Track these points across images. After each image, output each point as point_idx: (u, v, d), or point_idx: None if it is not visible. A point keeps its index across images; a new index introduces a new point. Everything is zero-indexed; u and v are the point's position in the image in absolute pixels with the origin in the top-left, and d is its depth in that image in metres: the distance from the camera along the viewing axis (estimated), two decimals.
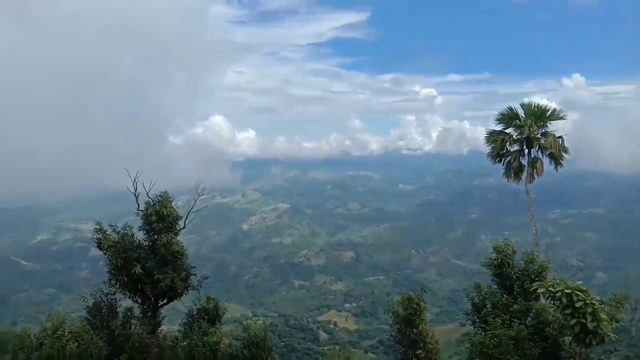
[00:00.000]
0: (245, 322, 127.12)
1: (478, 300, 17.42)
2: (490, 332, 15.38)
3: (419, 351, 15.63)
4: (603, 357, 16.78)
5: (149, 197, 16.54)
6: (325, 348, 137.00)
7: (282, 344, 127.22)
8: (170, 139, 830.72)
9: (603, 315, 13.56)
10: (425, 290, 17.25)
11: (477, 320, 17.22)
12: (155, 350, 15.15)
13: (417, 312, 15.85)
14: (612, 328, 13.78)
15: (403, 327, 16.03)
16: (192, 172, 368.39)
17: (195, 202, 17.23)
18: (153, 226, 16.33)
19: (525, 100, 24.66)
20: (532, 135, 23.71)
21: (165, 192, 16.70)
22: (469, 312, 17.73)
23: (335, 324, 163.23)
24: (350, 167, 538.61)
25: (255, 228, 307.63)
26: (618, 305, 16.35)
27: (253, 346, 14.90)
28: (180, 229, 17.11)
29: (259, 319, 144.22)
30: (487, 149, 25.41)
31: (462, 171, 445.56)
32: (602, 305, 13.89)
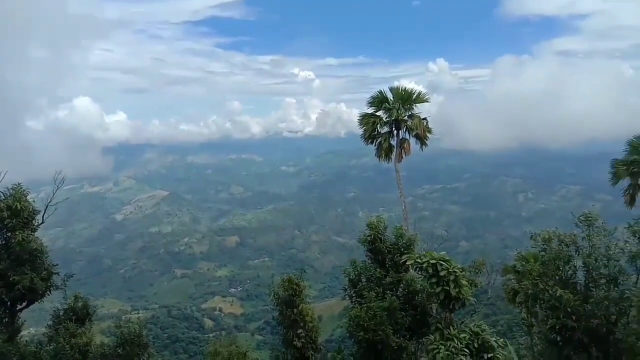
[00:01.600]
0: (123, 318, 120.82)
1: (354, 276, 18.22)
2: (365, 305, 16.20)
3: (299, 330, 16.00)
4: (466, 318, 18.56)
5: None
6: (211, 335, 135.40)
7: (165, 335, 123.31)
8: (29, 123, 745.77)
9: (464, 282, 14.90)
10: (304, 270, 17.63)
11: (354, 295, 18.02)
12: (15, 359, 13.68)
13: (297, 293, 16.18)
14: (472, 292, 15.26)
15: (284, 309, 16.28)
16: (56, 160, 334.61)
17: (54, 193, 15.65)
18: (5, 223, 14.59)
19: (395, 83, 26.09)
20: (399, 117, 25.16)
21: (19, 184, 14.98)
22: (346, 287, 18.48)
23: (220, 310, 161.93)
24: (232, 151, 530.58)
25: (130, 218, 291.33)
26: (477, 270, 18.18)
27: (127, 344, 14.11)
28: (38, 225, 15.51)
29: (138, 313, 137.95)
30: (361, 130, 26.51)
31: (340, 152, 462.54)
32: (463, 272, 15.30)
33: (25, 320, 15.66)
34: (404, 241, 17.95)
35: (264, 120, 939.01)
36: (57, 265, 15.63)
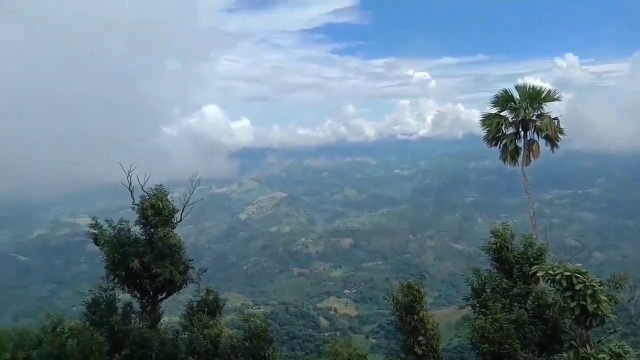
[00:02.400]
0: (245, 312, 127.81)
1: (477, 285, 17.39)
2: (490, 316, 15.37)
3: (420, 338, 15.63)
4: (603, 337, 16.83)
5: (144, 191, 16.36)
6: (326, 334, 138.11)
7: (283, 331, 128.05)
8: (164, 130, 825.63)
9: (603, 297, 13.51)
10: (424, 277, 17.21)
11: (477, 305, 17.20)
12: (156, 344, 15.08)
13: (418, 299, 15.82)
14: (612, 309, 13.78)
15: (404, 314, 16.00)
16: (188, 163, 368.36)
17: (191, 194, 17.08)
18: (149, 220, 16.17)
19: (519, 81, 24.81)
20: (527, 117, 23.57)
21: (161, 185, 16.55)
22: (469, 296, 17.70)
23: (335, 310, 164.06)
24: (346, 154, 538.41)
25: (253, 217, 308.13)
26: (617, 285, 16.38)
27: (254, 337, 14.86)
28: (177, 222, 16.98)
29: (259, 308, 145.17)
30: (482, 131, 25.29)
31: (457, 154, 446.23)
32: (602, 286, 13.88)
33: (164, 310, 17.19)
34: (534, 251, 16.77)
35: (377, 123, 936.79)
36: (192, 260, 16.97)
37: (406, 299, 15.91)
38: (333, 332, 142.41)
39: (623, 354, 12.83)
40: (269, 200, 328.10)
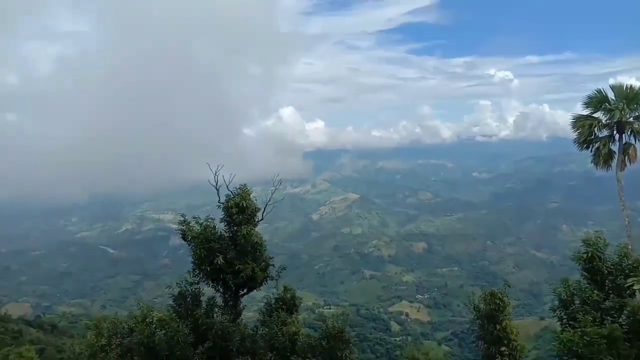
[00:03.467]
0: (317, 311, 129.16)
1: (566, 296, 16.50)
2: (579, 329, 14.53)
3: (502, 348, 15.06)
4: None
5: (229, 190, 17.04)
6: (397, 339, 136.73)
7: (354, 333, 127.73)
8: (245, 130, 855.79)
9: None
10: (508, 285, 16.53)
11: (565, 317, 16.33)
12: (237, 338, 15.64)
13: (501, 308, 15.26)
14: None
15: (485, 323, 15.50)
16: (265, 163, 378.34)
17: (272, 193, 17.58)
18: (233, 218, 16.77)
19: (612, 80, 23.18)
20: (623, 119, 22.03)
21: (244, 184, 17.16)
22: (556, 307, 16.84)
23: (407, 315, 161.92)
24: (421, 156, 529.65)
25: (325, 218, 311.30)
26: None
27: (331, 338, 15.00)
28: (258, 221, 17.52)
29: (330, 308, 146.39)
30: (568, 134, 23.99)
31: (541, 158, 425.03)
32: None
33: (245, 305, 17.81)
34: (630, 262, 15.64)
35: (455, 124, 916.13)
36: (273, 258, 17.44)
37: (488, 307, 15.41)
38: (404, 337, 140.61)
39: None
40: (341, 201, 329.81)
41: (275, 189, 17.88)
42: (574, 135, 24.18)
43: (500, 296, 15.46)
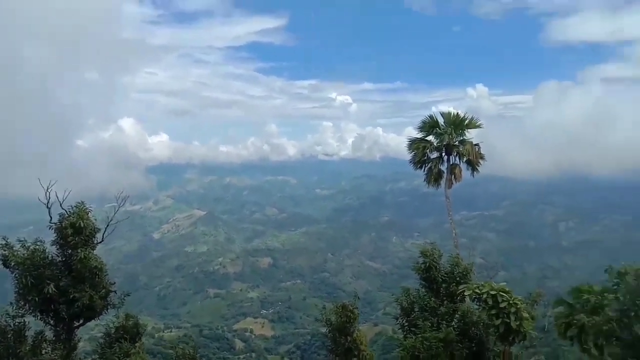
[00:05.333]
0: (157, 336, 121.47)
1: (407, 304, 17.74)
2: (420, 335, 15.69)
3: (354, 359, 15.61)
4: (521, 351, 17.77)
5: (63, 208, 15.03)
6: (241, 357, 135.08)
7: (197, 355, 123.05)
8: (78, 142, 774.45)
9: (525, 314, 14.32)
10: (358, 297, 17.26)
11: (406, 324, 17.52)
12: None
13: (351, 320, 15.84)
14: (532, 326, 14.61)
15: (337, 336, 15.93)
16: (102, 178, 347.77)
17: (115, 212, 15.97)
18: (68, 240, 14.82)
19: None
20: (451, 142, 24.83)
21: (82, 202, 15.32)
22: (398, 316, 17.99)
23: (251, 332, 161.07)
24: (268, 172, 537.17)
25: (167, 236, 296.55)
26: (533, 302, 17.44)
27: None
28: (98, 243, 15.78)
29: (171, 331, 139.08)
30: (399, 154, 26.57)
31: (375, 176, 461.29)
32: (523, 304, 14.67)
33: (81, 337, 15.80)
34: (460, 270, 17.46)
35: (300, 142, 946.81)
36: (114, 283, 15.80)
37: (340, 319, 15.87)
38: (249, 354, 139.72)
39: None
40: (185, 218, 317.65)
41: (119, 207, 16.31)
42: (404, 155, 26.66)
43: (351, 308, 16.07)
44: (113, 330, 16.29)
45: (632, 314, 12.11)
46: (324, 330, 17.11)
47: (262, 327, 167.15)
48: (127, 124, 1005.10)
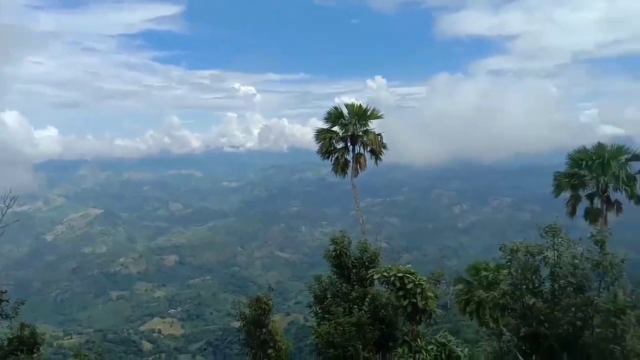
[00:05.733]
0: (55, 344, 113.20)
1: (319, 292, 18.11)
2: (334, 321, 16.10)
3: (269, 350, 15.66)
4: (427, 329, 18.87)
5: None
6: (150, 358, 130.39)
7: None
8: None
9: (430, 294, 15.22)
10: (272, 289, 17.32)
11: (320, 312, 17.89)
12: None
13: (266, 312, 15.86)
14: (437, 304, 15.58)
15: (252, 329, 15.88)
16: None
17: (3, 215, 14.54)
18: None
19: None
20: (355, 133, 25.63)
21: None
22: (311, 303, 18.31)
23: (159, 332, 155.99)
24: (171, 166, 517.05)
25: (61, 238, 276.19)
26: (436, 282, 18.60)
27: None
28: None
29: (71, 338, 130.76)
30: (305, 145, 27.29)
31: (283, 167, 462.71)
32: (428, 284, 15.58)
33: None
34: (369, 255, 18.10)
35: (204, 135, 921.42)
36: (5, 292, 14.44)
37: (255, 312, 15.83)
38: (157, 355, 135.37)
39: (447, 342, 14.57)
40: (81, 218, 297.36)
41: (8, 208, 14.88)
42: (310, 146, 27.16)
43: (266, 300, 16.09)
44: (6, 343, 14.96)
45: (524, 287, 13.46)
46: (236, 324, 16.95)
47: (171, 326, 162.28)
48: (10, 117, 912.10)
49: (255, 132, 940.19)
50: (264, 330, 15.55)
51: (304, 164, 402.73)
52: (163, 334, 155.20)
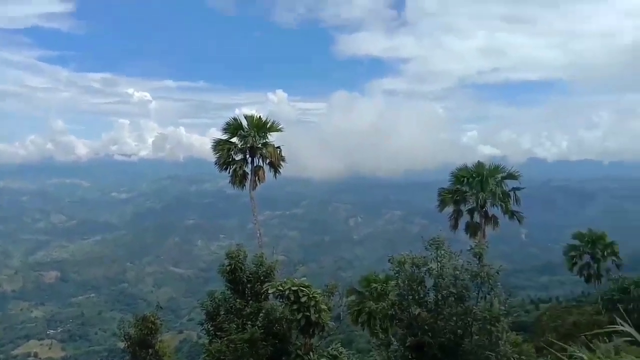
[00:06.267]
0: None
1: (212, 309, 17.55)
2: (226, 338, 15.66)
3: None
4: (320, 342, 19.03)
5: None
6: None
7: None
8: None
9: (323, 307, 15.38)
10: (160, 307, 16.43)
11: (212, 329, 17.33)
12: None
13: (153, 331, 14.99)
14: (330, 317, 15.77)
15: (137, 350, 14.92)
16: None
17: None
18: None
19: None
20: (255, 145, 25.45)
21: None
22: (203, 321, 17.70)
23: (35, 355, 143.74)
24: (54, 174, 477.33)
25: None
26: (330, 294, 18.87)
27: None
28: None
29: None
30: (203, 155, 26.54)
31: (179, 177, 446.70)
32: (322, 297, 15.74)
33: None
34: (264, 269, 17.91)
35: (92, 141, 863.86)
36: None
37: (140, 332, 14.91)
38: None
39: (338, 355, 14.78)
40: None
41: None
42: (208, 156, 26.61)
43: (153, 319, 15.22)
44: None
45: (410, 297, 14.12)
46: (122, 345, 15.88)
47: (50, 348, 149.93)
48: None
49: (150, 140, 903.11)
50: (150, 351, 14.69)
51: (202, 175, 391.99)
52: (40, 358, 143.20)
